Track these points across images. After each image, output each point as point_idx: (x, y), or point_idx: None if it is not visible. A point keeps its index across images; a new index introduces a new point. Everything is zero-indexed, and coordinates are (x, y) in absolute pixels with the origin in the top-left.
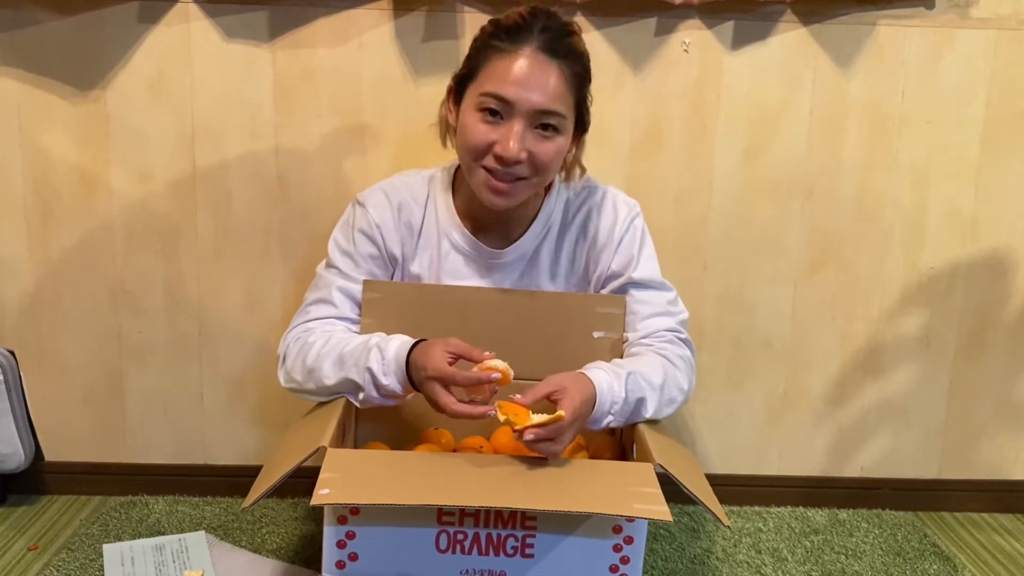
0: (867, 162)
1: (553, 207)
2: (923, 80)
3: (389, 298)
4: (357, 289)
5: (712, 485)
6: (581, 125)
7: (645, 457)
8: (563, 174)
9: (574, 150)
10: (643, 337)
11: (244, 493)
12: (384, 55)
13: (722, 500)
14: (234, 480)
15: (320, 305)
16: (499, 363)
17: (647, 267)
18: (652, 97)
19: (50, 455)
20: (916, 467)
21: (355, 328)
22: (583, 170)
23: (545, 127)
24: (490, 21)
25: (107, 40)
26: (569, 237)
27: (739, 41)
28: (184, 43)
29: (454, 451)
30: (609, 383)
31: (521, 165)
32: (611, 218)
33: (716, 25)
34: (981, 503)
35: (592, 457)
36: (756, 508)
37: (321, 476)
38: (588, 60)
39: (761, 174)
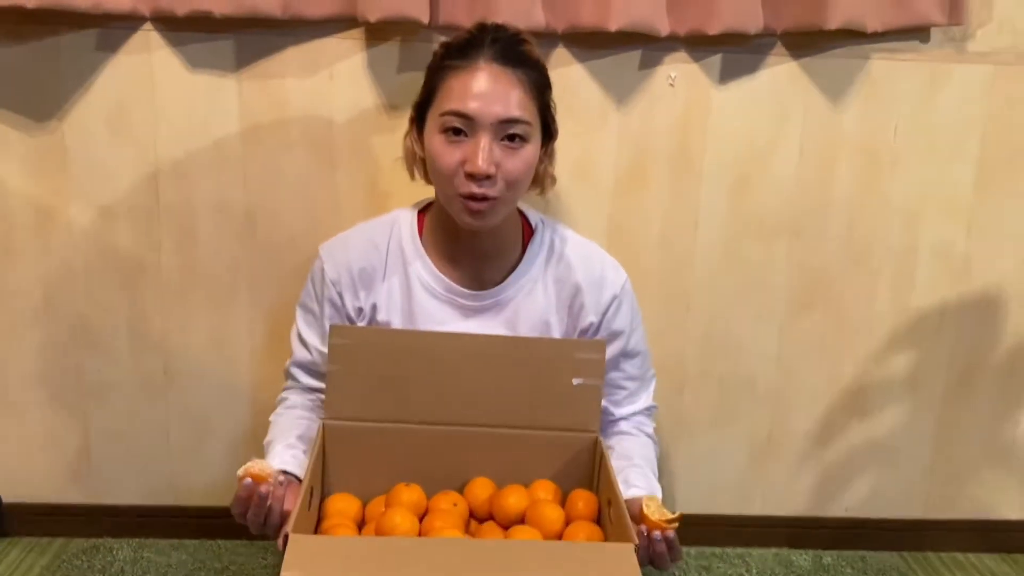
0: (857, 200)
1: (536, 256)
2: (917, 116)
3: (357, 344)
4: (310, 355)
5: (694, 526)
6: (548, 133)
7: (623, 530)
8: (539, 190)
9: (544, 161)
10: (629, 415)
11: (213, 535)
12: (357, 86)
13: (704, 541)
14: (203, 521)
15: (288, 376)
16: (249, 464)
17: (639, 338)
18: (636, 133)
19: (10, 496)
20: (901, 507)
21: (314, 397)
22: (554, 180)
23: (512, 138)
24: (441, 44)
25: (64, 69)
26: (553, 292)
27: (727, 75)
28: (146, 72)
29: (426, 509)
30: (652, 491)
31: (492, 181)
32: (599, 281)
33: (703, 58)
34: (966, 543)
35: (567, 513)
36: (739, 550)
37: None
38: (545, 67)
39: (748, 212)
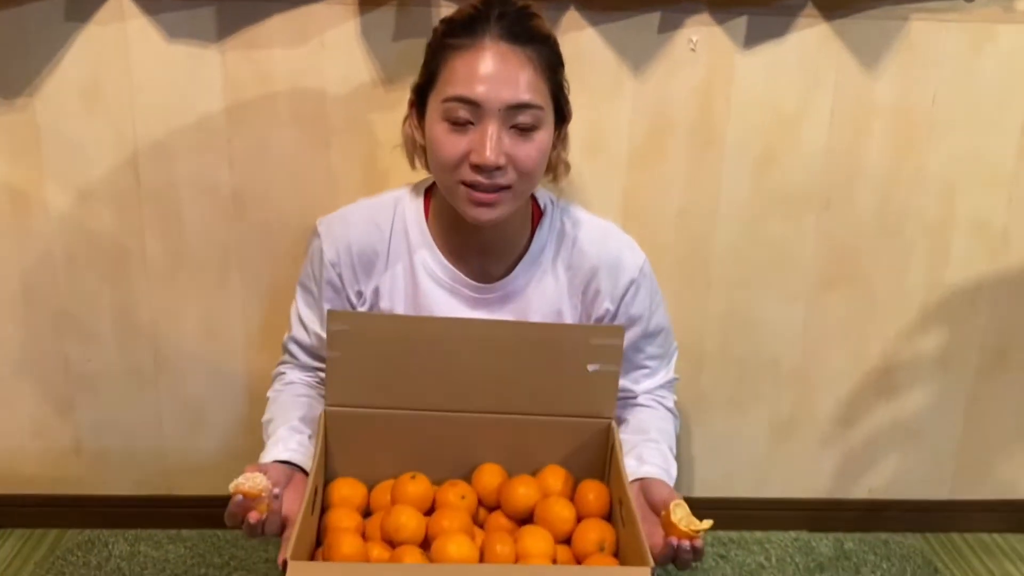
0: (891, 171)
1: (545, 242)
2: (958, 81)
3: (357, 330)
4: (309, 338)
5: (710, 509)
6: (561, 115)
7: (635, 540)
8: (552, 176)
9: (558, 147)
10: (648, 390)
11: (212, 525)
12: (349, 56)
13: (721, 525)
14: (200, 511)
15: (285, 351)
16: (241, 480)
17: (660, 317)
18: (654, 101)
19: (2, 488)
20: (927, 488)
21: (313, 374)
22: (568, 167)
23: (523, 126)
24: (441, 20)
25: (32, 41)
26: (565, 279)
27: (753, 38)
28: (120, 44)
29: (433, 500)
30: (667, 468)
31: (502, 172)
32: (615, 264)
33: (727, 20)
34: (993, 523)
35: (578, 505)
36: (757, 534)
37: None
38: (556, 43)
39: (774, 185)
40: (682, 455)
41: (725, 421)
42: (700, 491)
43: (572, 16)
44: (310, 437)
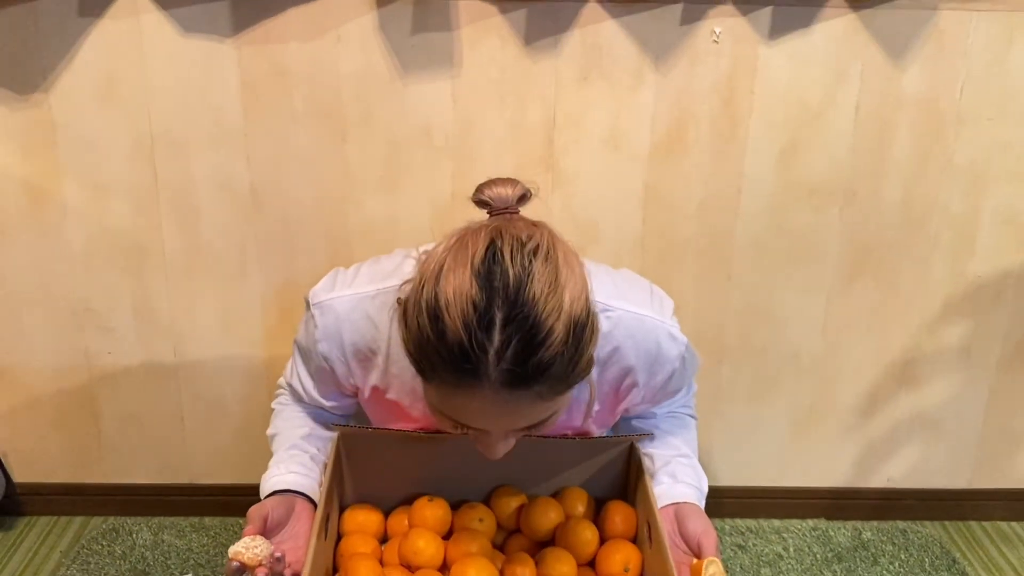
0: (917, 164)
1: None
2: (987, 72)
3: (367, 444)
4: (306, 398)
5: (729, 499)
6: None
7: (663, 564)
8: None
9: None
10: (671, 408)
11: (233, 513)
12: (366, 50)
13: (740, 513)
14: (221, 499)
15: (283, 393)
16: (241, 548)
17: (691, 375)
18: (676, 94)
19: (26, 476)
20: (947, 477)
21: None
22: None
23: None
24: (431, 319)
25: (45, 37)
26: (594, 373)
27: (778, 29)
28: (135, 39)
29: (451, 524)
30: (700, 486)
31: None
32: (653, 358)
33: (752, 11)
34: (1013, 512)
35: (603, 527)
36: (775, 523)
37: None
38: (576, 338)
39: (797, 178)
40: (701, 445)
41: (745, 412)
42: (719, 481)
43: (593, 8)
44: (312, 458)
